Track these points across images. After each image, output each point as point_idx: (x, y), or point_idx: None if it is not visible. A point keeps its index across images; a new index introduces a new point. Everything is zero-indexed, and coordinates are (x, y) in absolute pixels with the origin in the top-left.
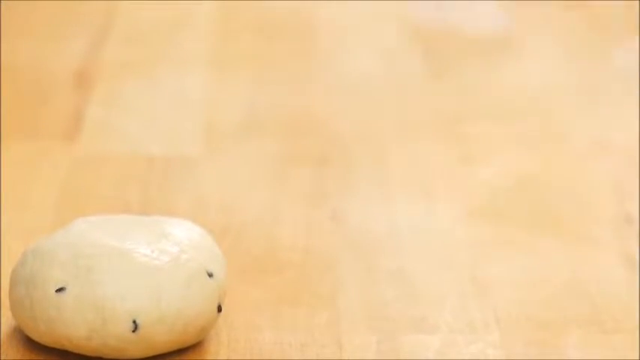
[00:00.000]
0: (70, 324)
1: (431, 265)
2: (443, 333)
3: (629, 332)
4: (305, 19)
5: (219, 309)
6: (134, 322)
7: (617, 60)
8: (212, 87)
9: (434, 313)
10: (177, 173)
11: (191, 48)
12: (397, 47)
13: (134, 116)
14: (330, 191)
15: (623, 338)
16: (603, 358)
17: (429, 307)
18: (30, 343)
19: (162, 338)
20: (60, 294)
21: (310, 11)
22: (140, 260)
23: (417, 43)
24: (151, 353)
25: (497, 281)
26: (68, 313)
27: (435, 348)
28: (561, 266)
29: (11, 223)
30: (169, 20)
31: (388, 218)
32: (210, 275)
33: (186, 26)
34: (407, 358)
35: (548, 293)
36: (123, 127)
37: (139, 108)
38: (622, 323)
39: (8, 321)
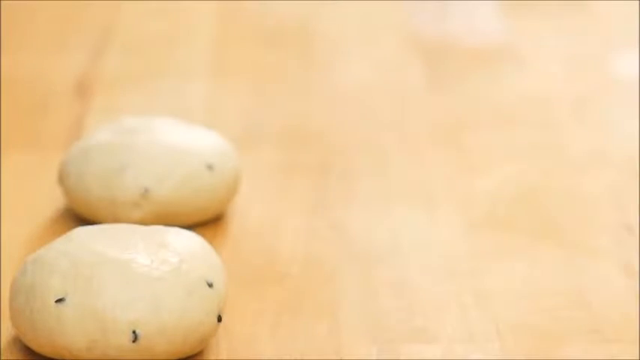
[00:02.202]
0: (70, 335)
1: (431, 275)
2: (443, 343)
3: (630, 342)
4: (305, 30)
5: (219, 319)
6: (134, 332)
7: (617, 70)
8: (211, 97)
9: (434, 324)
10: None
11: (190, 59)
12: (397, 57)
13: None
14: (330, 201)
15: (624, 348)
16: None
17: (430, 318)
18: (30, 353)
19: (162, 348)
20: (60, 304)
21: (310, 22)
22: (140, 270)
23: (416, 53)
24: None
25: (498, 291)
26: (68, 324)
27: (435, 358)
28: (562, 276)
29: (11, 232)
30: (169, 31)
31: (388, 228)
32: (210, 285)
33: (186, 37)
34: None
35: (548, 303)
36: None
37: None
38: (623, 333)
39: (8, 330)
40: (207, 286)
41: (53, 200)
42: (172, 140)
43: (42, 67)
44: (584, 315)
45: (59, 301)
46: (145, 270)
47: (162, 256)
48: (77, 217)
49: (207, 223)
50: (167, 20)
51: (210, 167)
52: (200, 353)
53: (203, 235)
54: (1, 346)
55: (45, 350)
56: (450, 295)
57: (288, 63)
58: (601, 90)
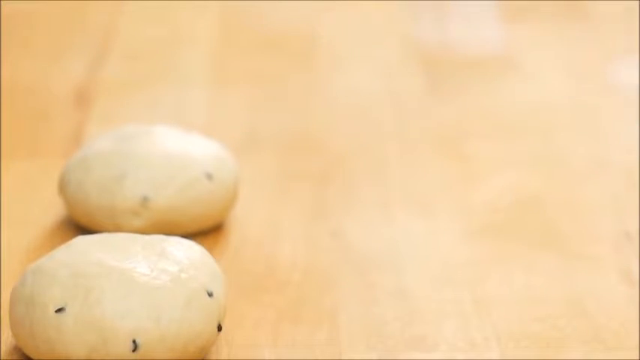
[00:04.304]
0: (70, 344)
1: (431, 282)
2: (443, 351)
3: (631, 349)
4: (305, 37)
5: (219, 328)
6: (134, 341)
7: (616, 78)
8: (212, 105)
9: (434, 331)
10: None
11: (191, 66)
12: (397, 65)
13: None
14: (330, 209)
15: (625, 355)
16: None
17: (429, 325)
18: None
19: (162, 357)
20: (59, 314)
21: (310, 29)
22: (140, 279)
23: (417, 61)
24: None
25: (498, 299)
26: (68, 334)
27: None
28: (561, 284)
29: (11, 241)
30: (169, 38)
31: (388, 236)
32: (210, 294)
33: (186, 44)
34: None
35: (548, 311)
36: None
37: None
38: (623, 340)
39: (8, 340)
40: (207, 295)
41: (53, 209)
42: (172, 149)
43: (42, 75)
44: (584, 323)
45: (59, 310)
46: (145, 279)
47: (162, 266)
48: (77, 225)
49: (207, 231)
50: (167, 28)
51: (209, 176)
52: None
53: (203, 244)
54: (1, 356)
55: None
56: (450, 302)
57: (289, 70)
58: (601, 98)
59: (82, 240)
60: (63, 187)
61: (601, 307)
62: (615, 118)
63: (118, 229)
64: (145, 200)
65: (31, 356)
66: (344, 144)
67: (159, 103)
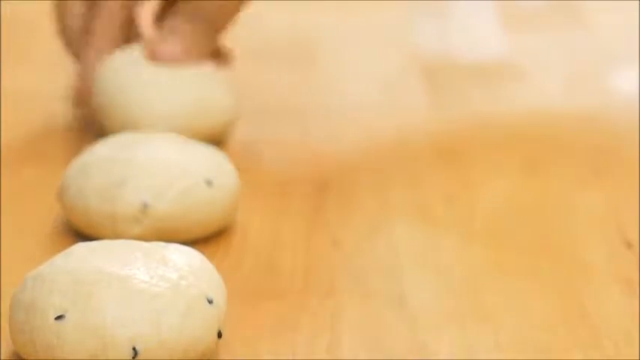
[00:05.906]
0: (70, 351)
1: (430, 290)
2: (443, 358)
3: (630, 357)
4: (306, 47)
5: (219, 335)
6: (134, 348)
7: (617, 85)
8: None
9: (434, 339)
10: None
11: None
12: (398, 74)
13: None
14: (330, 217)
15: None
16: None
17: (429, 333)
18: None
19: None
20: (59, 321)
21: (311, 39)
22: (140, 287)
23: (417, 69)
24: None
25: (498, 307)
26: (68, 341)
27: None
28: (561, 292)
29: (11, 248)
30: None
31: (388, 244)
32: (210, 301)
33: None
34: None
35: (548, 319)
36: None
37: None
38: (623, 348)
39: (8, 346)
40: (207, 302)
41: (53, 215)
42: (171, 155)
43: (42, 81)
44: (584, 331)
45: (59, 317)
46: (145, 286)
47: (162, 273)
48: (77, 232)
49: (207, 238)
50: None
51: (209, 182)
52: None
53: (203, 251)
54: None
55: None
56: (450, 310)
57: (289, 79)
58: (601, 105)
59: (81, 247)
60: (62, 194)
61: (601, 315)
62: (615, 126)
63: (117, 235)
64: (144, 207)
65: None
66: (344, 152)
67: None
